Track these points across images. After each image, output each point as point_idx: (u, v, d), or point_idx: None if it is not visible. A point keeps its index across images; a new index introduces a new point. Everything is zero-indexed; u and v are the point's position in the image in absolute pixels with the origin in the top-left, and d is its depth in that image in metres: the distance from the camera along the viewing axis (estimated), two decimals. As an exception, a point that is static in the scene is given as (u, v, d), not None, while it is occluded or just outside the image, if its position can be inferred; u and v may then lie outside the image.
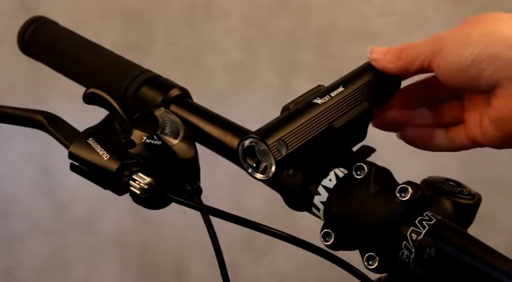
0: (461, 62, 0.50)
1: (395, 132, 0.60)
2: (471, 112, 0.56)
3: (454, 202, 0.56)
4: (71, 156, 0.54)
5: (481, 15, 0.53)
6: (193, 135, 0.59)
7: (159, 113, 0.58)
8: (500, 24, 0.51)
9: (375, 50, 0.57)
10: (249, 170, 0.52)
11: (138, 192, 0.52)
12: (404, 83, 0.60)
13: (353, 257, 0.52)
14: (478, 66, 0.50)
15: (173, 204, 0.55)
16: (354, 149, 0.57)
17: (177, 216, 1.55)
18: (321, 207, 0.53)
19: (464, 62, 0.50)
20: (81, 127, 0.56)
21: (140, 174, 0.52)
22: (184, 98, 0.65)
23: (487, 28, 0.51)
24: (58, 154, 0.60)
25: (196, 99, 0.67)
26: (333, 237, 0.51)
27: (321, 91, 0.54)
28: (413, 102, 0.60)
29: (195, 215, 0.56)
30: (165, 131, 0.56)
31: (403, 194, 0.49)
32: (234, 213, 0.52)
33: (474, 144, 0.56)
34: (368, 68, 0.58)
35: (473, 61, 0.50)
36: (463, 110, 0.57)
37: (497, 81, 0.50)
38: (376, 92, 0.57)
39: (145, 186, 0.52)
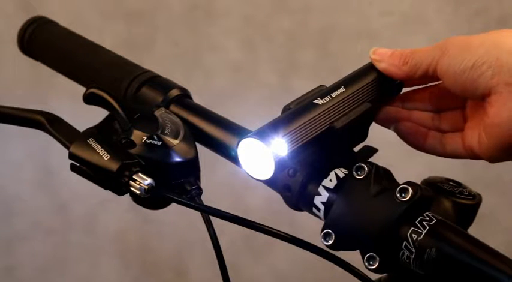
0: (463, 65, 0.51)
1: (389, 128, 0.60)
2: (471, 122, 0.56)
3: (454, 202, 0.56)
4: (71, 156, 0.54)
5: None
6: (194, 135, 0.59)
7: (160, 113, 0.58)
8: (501, 34, 0.52)
9: (377, 52, 0.57)
10: (248, 170, 0.52)
11: (139, 192, 0.52)
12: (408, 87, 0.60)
13: (353, 257, 0.52)
14: (478, 69, 0.50)
15: (173, 204, 0.55)
16: (357, 149, 0.57)
17: (178, 216, 1.55)
18: (321, 207, 0.53)
19: (465, 65, 0.51)
20: (81, 127, 0.56)
21: (140, 175, 0.52)
22: (184, 98, 0.65)
23: (488, 36, 0.52)
24: (58, 153, 0.60)
25: (197, 99, 0.67)
26: (333, 237, 0.51)
27: (322, 91, 0.54)
28: (417, 105, 0.60)
29: (196, 215, 0.56)
30: (166, 131, 0.56)
31: (403, 194, 0.49)
32: (234, 213, 0.52)
33: (469, 154, 0.56)
34: (370, 68, 0.58)
35: (474, 64, 0.50)
36: (464, 120, 0.58)
37: (493, 86, 0.50)
38: (378, 93, 0.57)
39: (146, 187, 0.52)
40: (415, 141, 0.59)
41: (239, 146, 0.51)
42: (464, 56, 0.51)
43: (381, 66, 0.57)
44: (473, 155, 0.56)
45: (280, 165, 0.50)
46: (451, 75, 0.52)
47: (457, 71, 0.51)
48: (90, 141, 0.54)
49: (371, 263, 0.49)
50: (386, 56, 0.56)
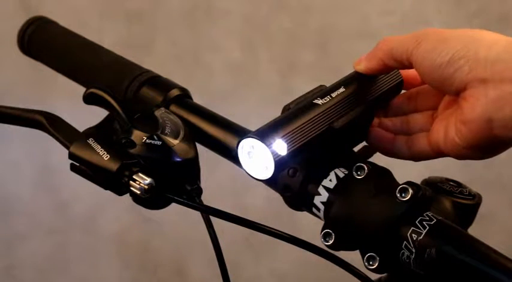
0: (439, 59, 0.50)
1: None
2: (439, 119, 0.55)
3: (454, 202, 0.56)
4: (71, 156, 0.54)
5: None
6: (194, 135, 0.59)
7: (160, 113, 0.58)
8: (478, 30, 0.51)
9: (357, 60, 0.57)
10: (248, 170, 0.52)
11: (139, 192, 0.52)
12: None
13: (353, 257, 0.52)
14: (455, 64, 0.50)
15: (173, 204, 0.56)
16: (357, 149, 0.57)
17: (178, 216, 1.55)
18: (321, 207, 0.53)
19: (442, 59, 0.50)
20: (81, 127, 0.56)
21: (140, 175, 0.52)
22: (184, 98, 0.65)
23: (466, 32, 0.51)
24: (59, 153, 0.60)
25: (197, 99, 0.67)
26: (333, 237, 0.51)
27: (322, 91, 0.54)
28: (390, 111, 0.59)
29: (196, 215, 0.56)
30: (166, 131, 0.56)
31: (403, 194, 0.49)
32: (234, 213, 0.52)
33: (435, 151, 0.55)
34: None
35: (451, 58, 0.50)
36: (433, 119, 0.57)
37: (469, 81, 0.49)
38: (378, 93, 0.57)
39: (146, 187, 0.52)
40: (383, 146, 0.57)
41: (239, 146, 0.51)
42: (441, 49, 0.50)
43: (360, 67, 0.56)
44: (439, 152, 0.54)
45: (280, 165, 0.50)
46: (427, 68, 0.51)
47: (433, 65, 0.51)
48: (90, 141, 0.54)
49: (371, 263, 0.49)
50: (363, 58, 0.56)
